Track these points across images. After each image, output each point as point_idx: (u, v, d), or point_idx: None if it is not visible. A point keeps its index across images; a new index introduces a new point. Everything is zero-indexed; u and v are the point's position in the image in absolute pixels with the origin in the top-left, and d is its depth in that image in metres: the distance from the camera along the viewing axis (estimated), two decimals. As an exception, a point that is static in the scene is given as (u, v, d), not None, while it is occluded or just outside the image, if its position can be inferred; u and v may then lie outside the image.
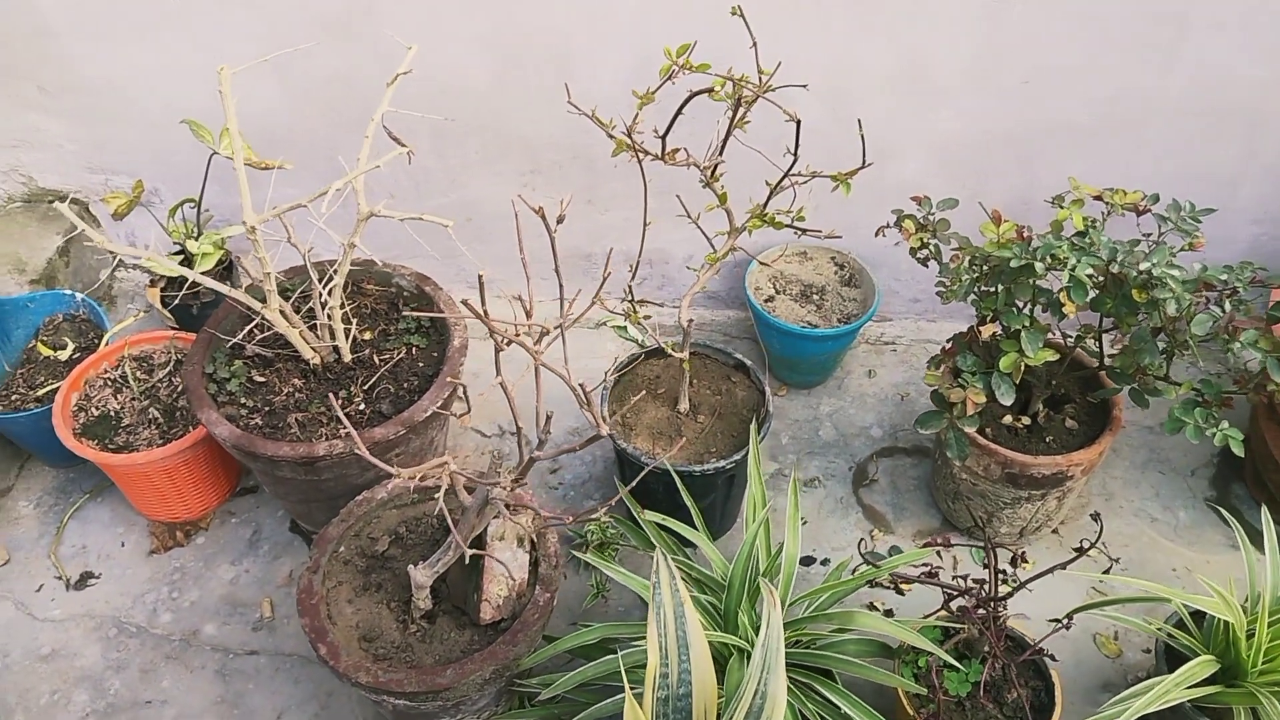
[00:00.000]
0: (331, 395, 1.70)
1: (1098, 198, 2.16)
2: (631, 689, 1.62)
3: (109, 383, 2.45)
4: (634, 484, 1.80)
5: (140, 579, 2.43)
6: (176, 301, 2.66)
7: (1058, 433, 2.25)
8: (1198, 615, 1.99)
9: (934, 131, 2.52)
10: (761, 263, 2.68)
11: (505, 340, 1.56)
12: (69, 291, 2.64)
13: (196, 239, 2.64)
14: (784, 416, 2.73)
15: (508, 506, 1.77)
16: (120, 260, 3.00)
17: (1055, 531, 2.46)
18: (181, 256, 2.65)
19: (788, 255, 2.76)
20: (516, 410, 1.67)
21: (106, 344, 2.51)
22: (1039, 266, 1.88)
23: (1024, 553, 1.91)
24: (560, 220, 1.58)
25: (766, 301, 2.67)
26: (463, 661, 1.81)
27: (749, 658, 1.85)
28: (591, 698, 1.93)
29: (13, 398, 2.47)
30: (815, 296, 2.69)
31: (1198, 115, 2.46)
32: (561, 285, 1.64)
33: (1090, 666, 2.24)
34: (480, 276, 1.46)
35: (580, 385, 1.56)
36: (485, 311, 1.46)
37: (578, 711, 1.91)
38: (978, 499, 2.32)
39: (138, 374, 2.47)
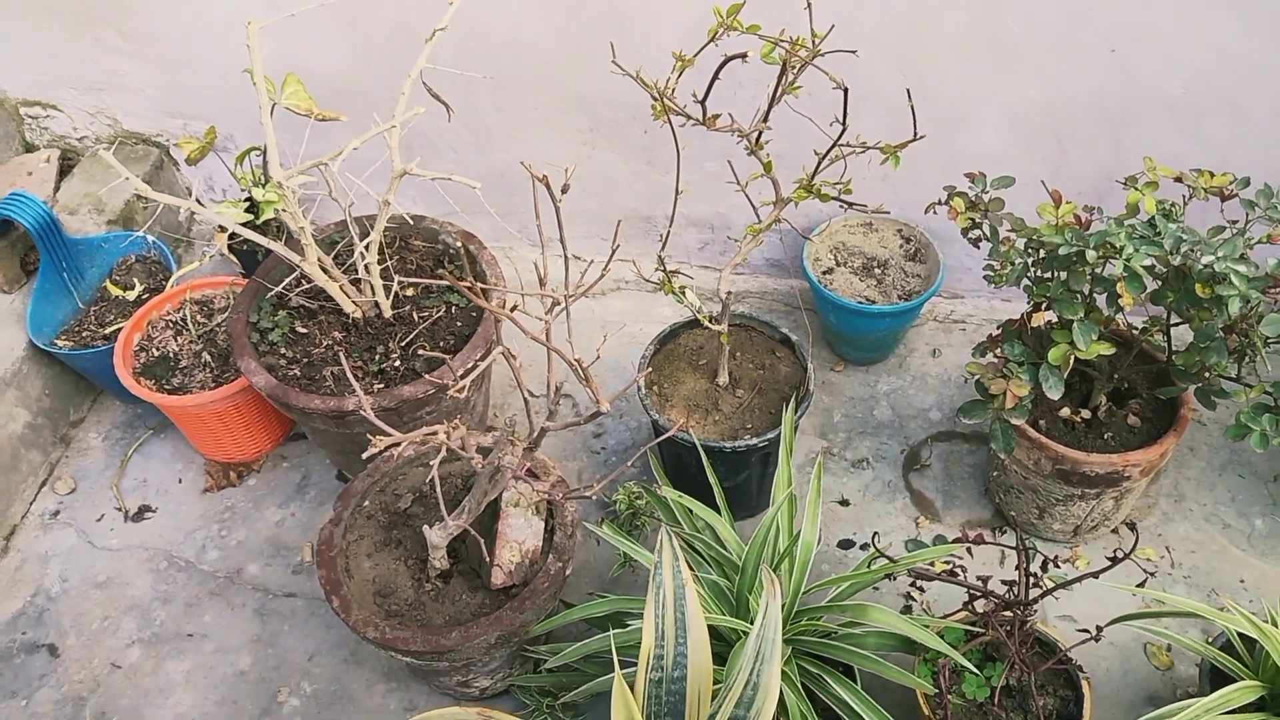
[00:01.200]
0: (345, 356, 1.70)
1: (1178, 179, 2.00)
2: (629, 665, 1.60)
3: (170, 325, 2.52)
4: (646, 448, 1.76)
5: (193, 515, 2.51)
6: (246, 248, 2.72)
7: (1118, 429, 2.11)
8: (1251, 636, 1.85)
9: (1011, 98, 2.37)
10: (806, 238, 2.57)
11: (507, 311, 1.53)
12: (141, 233, 2.72)
13: (263, 187, 2.68)
14: (839, 393, 2.64)
15: (517, 476, 1.76)
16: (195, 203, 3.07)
17: (1115, 532, 2.33)
18: (249, 203, 2.70)
19: (851, 227, 2.65)
20: (522, 381, 1.65)
21: (171, 286, 2.59)
22: (1091, 255, 1.75)
23: (1055, 556, 1.79)
24: (565, 189, 1.53)
25: (825, 274, 2.57)
26: (468, 625, 1.82)
27: (757, 643, 1.81)
28: (599, 669, 1.92)
29: (83, 334, 2.57)
30: (877, 271, 2.58)
31: (1309, 92, 2.25)
32: (567, 255, 1.59)
33: (1138, 677, 2.12)
34: (485, 249, 1.42)
35: (578, 360, 1.52)
36: (472, 284, 1.42)
37: (587, 681, 1.90)
38: (1028, 494, 2.21)
39: (197, 317, 2.54)
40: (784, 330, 2.31)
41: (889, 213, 2.43)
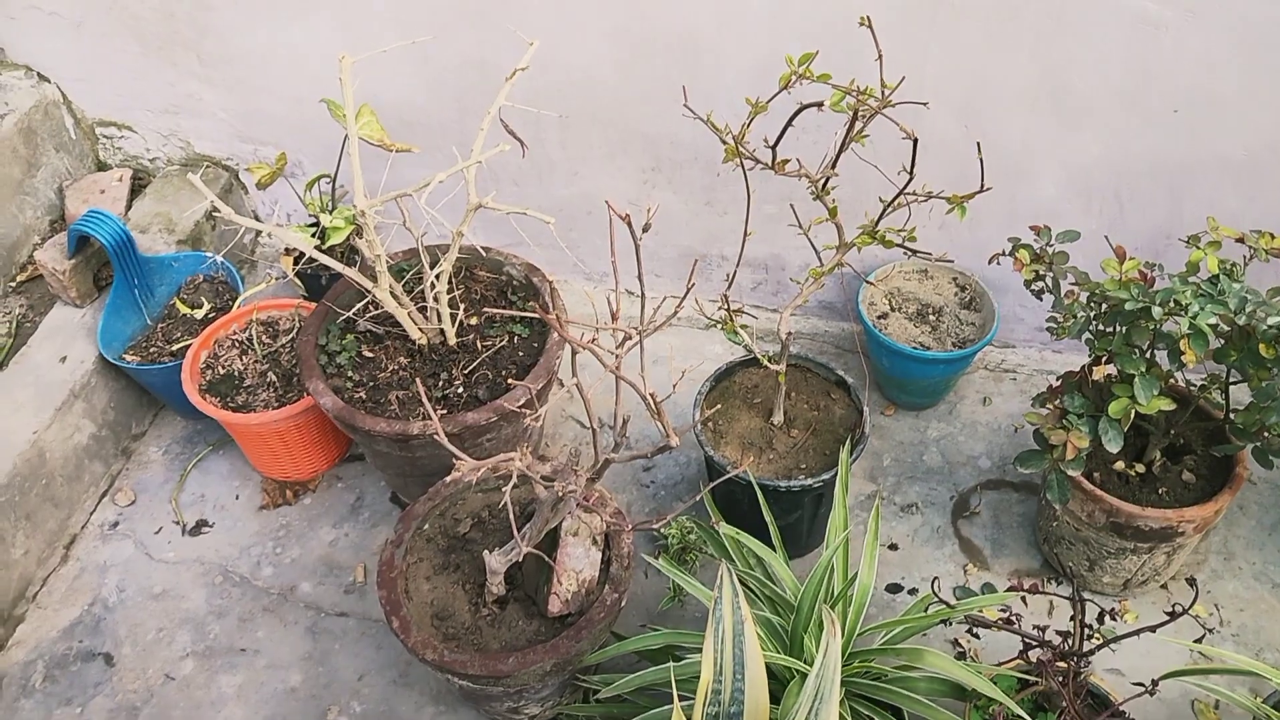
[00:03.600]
0: (419, 380, 1.75)
1: (1240, 240, 2.02)
2: (684, 700, 1.62)
3: (236, 344, 2.58)
4: (710, 488, 1.79)
5: (249, 532, 2.56)
6: (310, 271, 2.79)
7: (1172, 485, 2.12)
8: (1305, 697, 1.85)
9: (1072, 154, 2.40)
10: (868, 282, 2.61)
11: (580, 346, 1.57)
12: (212, 254, 2.79)
13: (330, 213, 2.74)
14: (889, 437, 2.66)
15: (580, 506, 1.79)
16: (258, 235, 3.15)
17: (1164, 587, 2.33)
18: (316, 229, 2.77)
19: (907, 273, 2.68)
20: (592, 413, 1.68)
21: (238, 307, 2.65)
22: (1157, 311, 1.77)
23: (1113, 609, 1.80)
24: (646, 228, 1.58)
25: (880, 318, 2.60)
26: (525, 651, 1.84)
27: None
28: (651, 702, 1.94)
29: (151, 350, 2.63)
30: (931, 317, 2.61)
31: (1370, 157, 2.27)
32: (644, 292, 1.63)
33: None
34: (550, 282, 1.46)
35: (651, 395, 1.55)
36: (558, 316, 1.47)
37: (637, 713, 1.92)
38: (1080, 545, 2.22)
39: (263, 338, 2.60)
40: (839, 372, 2.34)
41: (952, 261, 2.46)
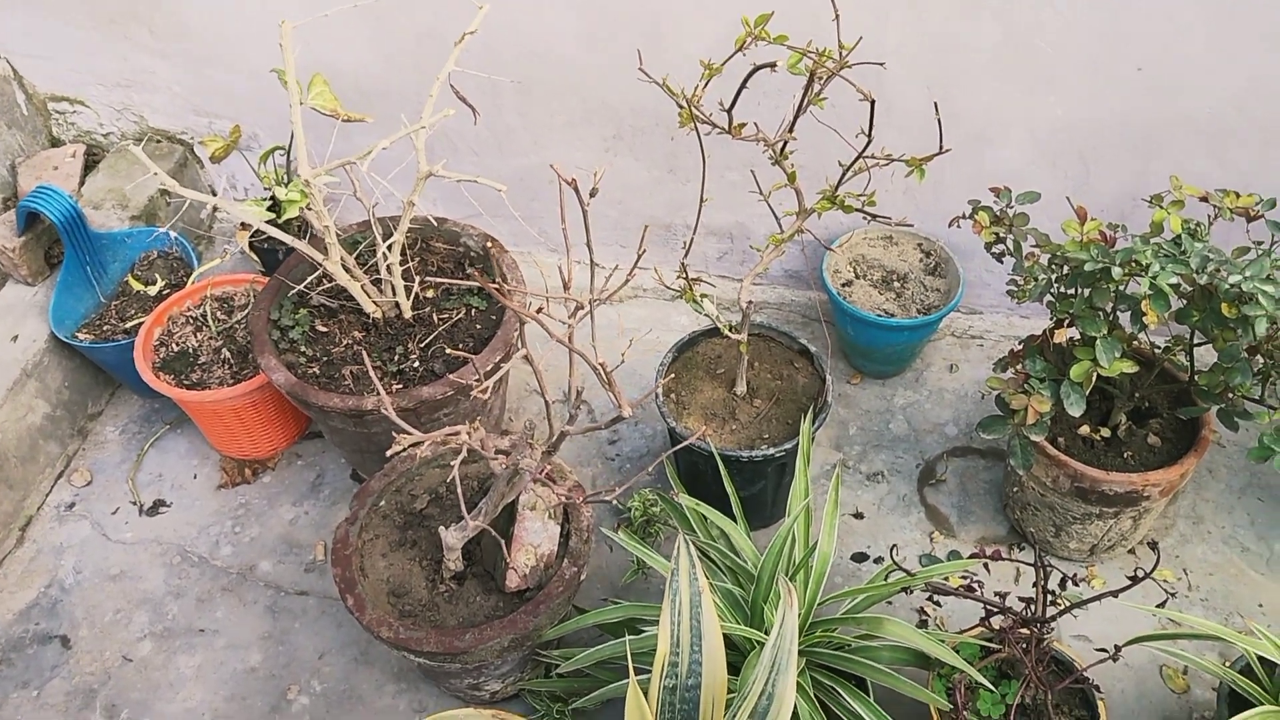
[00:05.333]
0: (369, 355, 1.70)
1: (1204, 199, 2.00)
2: (642, 673, 1.59)
3: (190, 320, 2.53)
4: (666, 455, 1.76)
5: (207, 511, 2.52)
6: (266, 246, 2.74)
7: (1138, 448, 2.10)
8: (1269, 660, 1.84)
9: (1038, 117, 2.37)
10: (829, 248, 2.57)
11: (532, 313, 1.53)
12: (164, 230, 2.74)
13: (285, 186, 2.69)
14: (855, 406, 2.64)
15: (535, 480, 1.75)
16: (215, 209, 3.09)
17: (1132, 552, 2.31)
18: (271, 202, 2.71)
19: (871, 239, 2.65)
20: (545, 384, 1.65)
21: (192, 283, 2.60)
22: (1117, 271, 1.75)
23: (1075, 574, 1.78)
24: (593, 193, 1.54)
25: (844, 286, 2.57)
26: (482, 627, 1.81)
27: (771, 653, 1.81)
28: (611, 675, 1.92)
29: (104, 328, 2.58)
30: (896, 284, 2.57)
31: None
32: (593, 260, 1.59)
33: (1154, 700, 2.11)
34: (505, 253, 1.42)
35: (601, 365, 1.52)
36: (501, 286, 1.43)
37: (598, 687, 1.90)
38: (1045, 511, 2.20)
39: (218, 314, 2.55)
40: (803, 341, 2.31)
41: (912, 225, 2.43)
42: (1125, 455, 2.09)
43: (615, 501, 2.37)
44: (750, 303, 2.12)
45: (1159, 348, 2.08)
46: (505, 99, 2.61)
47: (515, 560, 1.89)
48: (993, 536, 2.37)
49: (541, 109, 2.64)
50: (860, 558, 2.34)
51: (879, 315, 2.47)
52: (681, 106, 1.94)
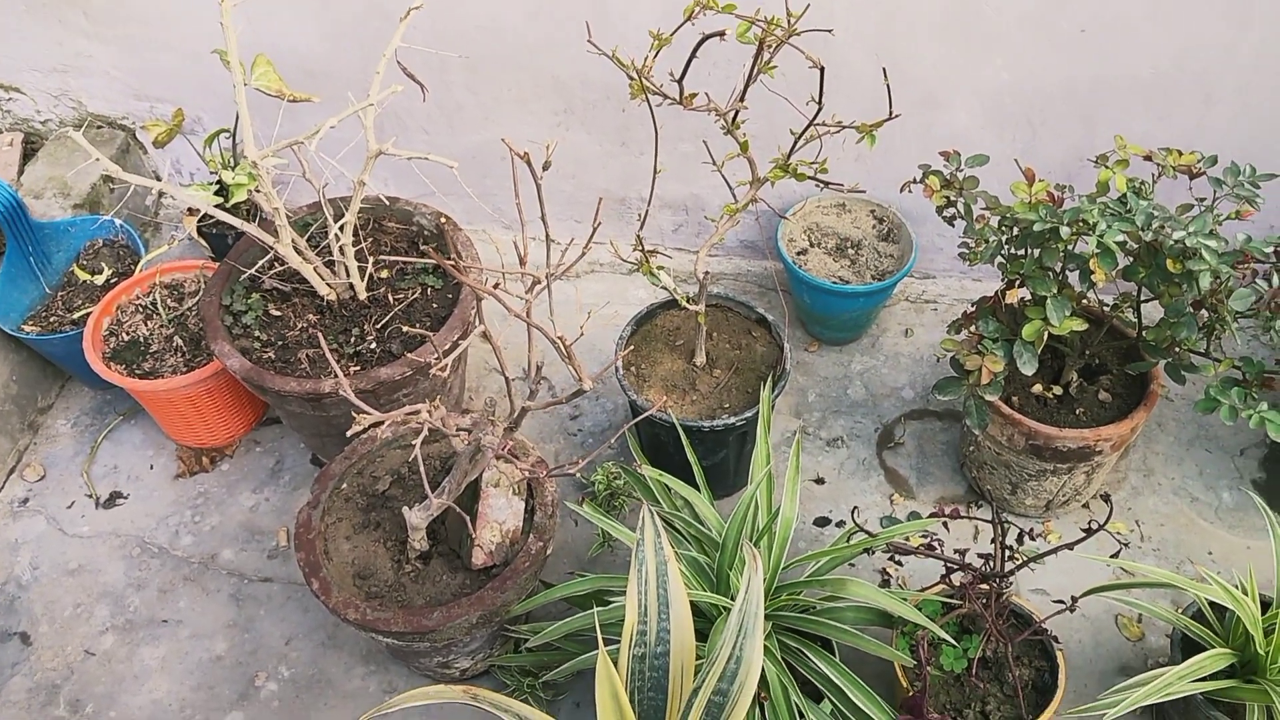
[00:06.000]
0: (324, 337, 1.69)
1: (1148, 158, 2.03)
2: (611, 643, 1.60)
3: (140, 309, 2.49)
4: (629, 426, 1.77)
5: (165, 501, 2.49)
6: (215, 231, 2.70)
7: (1090, 405, 2.14)
8: (1220, 605, 1.89)
9: (985, 81, 2.39)
10: (783, 217, 2.59)
11: (489, 288, 1.53)
12: (108, 217, 2.68)
13: (232, 169, 2.65)
14: (813, 373, 2.66)
15: (497, 456, 1.75)
16: (161, 195, 3.04)
17: (1086, 506, 2.36)
18: (218, 187, 2.67)
19: (825, 207, 2.66)
20: (504, 361, 1.64)
21: (140, 270, 2.55)
22: (1065, 231, 1.77)
23: (1032, 529, 1.82)
24: (546, 167, 1.53)
25: (799, 254, 2.59)
26: (450, 605, 1.81)
27: (737, 618, 1.83)
28: (580, 648, 1.93)
29: (51, 319, 2.53)
30: (851, 251, 2.59)
31: (1277, 74, 2.28)
32: (549, 235, 1.59)
33: (1110, 648, 2.16)
34: (459, 230, 1.42)
35: (560, 339, 1.52)
36: (457, 263, 1.42)
37: (568, 660, 1.91)
38: (1001, 469, 2.24)
39: (168, 302, 2.51)
40: (760, 310, 2.32)
41: (864, 192, 2.45)
42: (1078, 412, 2.13)
43: (579, 475, 2.37)
44: (707, 273, 2.12)
45: (1108, 305, 2.11)
46: (454, 75, 2.59)
47: (481, 537, 1.89)
48: (951, 496, 2.41)
49: (491, 85, 2.62)
50: (823, 522, 2.36)
51: (835, 283, 2.49)
52: (632, 78, 1.93)
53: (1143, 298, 2.02)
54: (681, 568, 1.77)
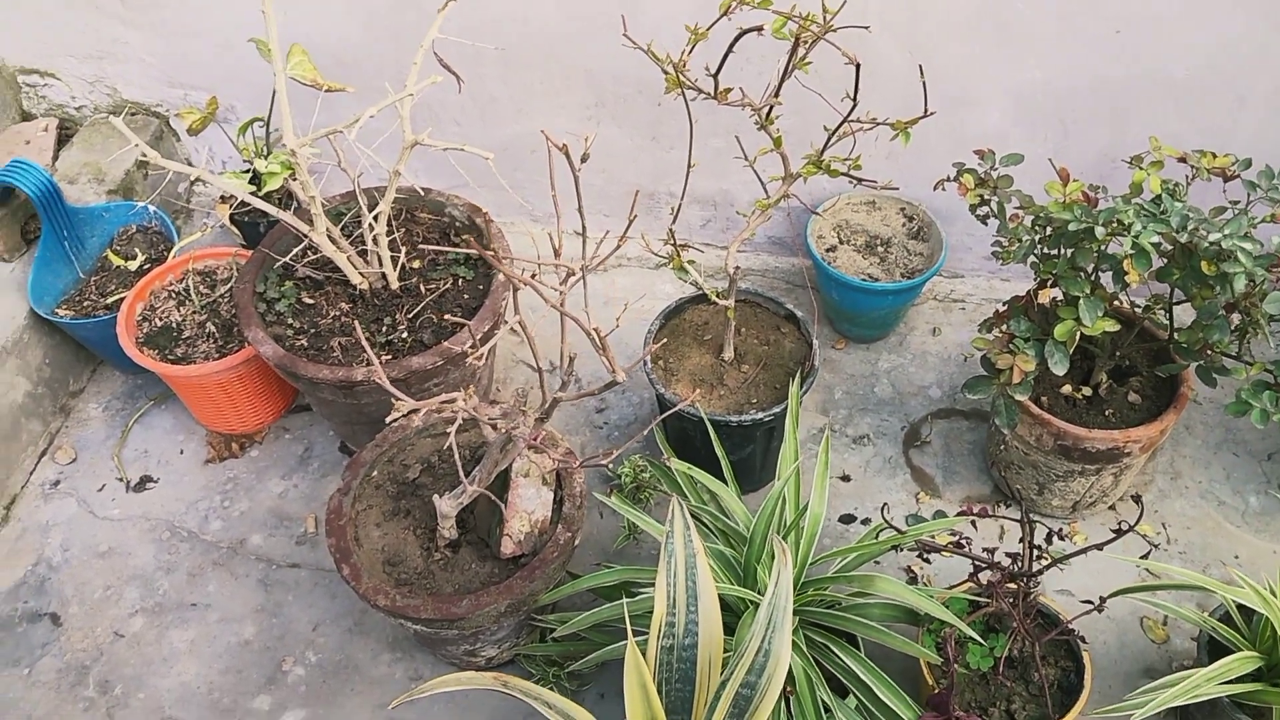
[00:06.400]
0: (358, 325, 1.71)
1: (1182, 159, 2.02)
2: (639, 634, 1.61)
3: (173, 295, 2.52)
4: (659, 420, 1.78)
5: (195, 486, 2.51)
6: (247, 219, 2.72)
7: (1119, 406, 2.14)
8: (1248, 608, 1.88)
9: (1017, 80, 2.39)
10: (815, 213, 2.59)
11: (521, 282, 1.54)
12: (143, 204, 2.71)
13: (265, 158, 2.67)
14: (840, 371, 2.66)
15: (529, 446, 1.77)
16: (194, 182, 3.06)
17: (1112, 508, 2.36)
18: (251, 175, 2.68)
19: (855, 205, 2.67)
20: (538, 351, 1.65)
21: (173, 257, 2.58)
22: (1099, 231, 1.77)
23: (1060, 529, 1.82)
24: (584, 159, 1.54)
25: (828, 251, 2.59)
26: (479, 593, 1.83)
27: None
28: (606, 638, 1.94)
29: (84, 304, 2.56)
30: (880, 249, 2.59)
31: (1311, 74, 2.27)
32: (585, 226, 1.60)
33: (1135, 650, 2.16)
34: (491, 221, 1.43)
35: (595, 330, 1.53)
36: (496, 252, 1.43)
37: (594, 650, 1.92)
38: (1029, 469, 2.24)
39: (200, 288, 2.53)
40: (789, 306, 2.32)
41: (898, 190, 2.44)
42: (1107, 413, 2.13)
43: (608, 467, 2.38)
44: (737, 268, 2.13)
45: (1139, 307, 2.11)
46: (487, 68, 2.60)
47: (510, 526, 1.90)
48: (977, 496, 2.41)
49: (522, 77, 2.63)
50: (848, 519, 2.37)
51: (864, 280, 2.49)
52: (667, 72, 1.94)
53: (1175, 300, 2.01)
54: (709, 561, 1.78)
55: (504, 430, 1.75)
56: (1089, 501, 2.28)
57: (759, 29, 1.76)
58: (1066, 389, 2.15)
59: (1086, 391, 2.15)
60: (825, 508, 1.96)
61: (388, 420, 1.44)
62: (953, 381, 2.64)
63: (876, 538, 1.90)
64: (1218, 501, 2.37)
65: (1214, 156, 2.04)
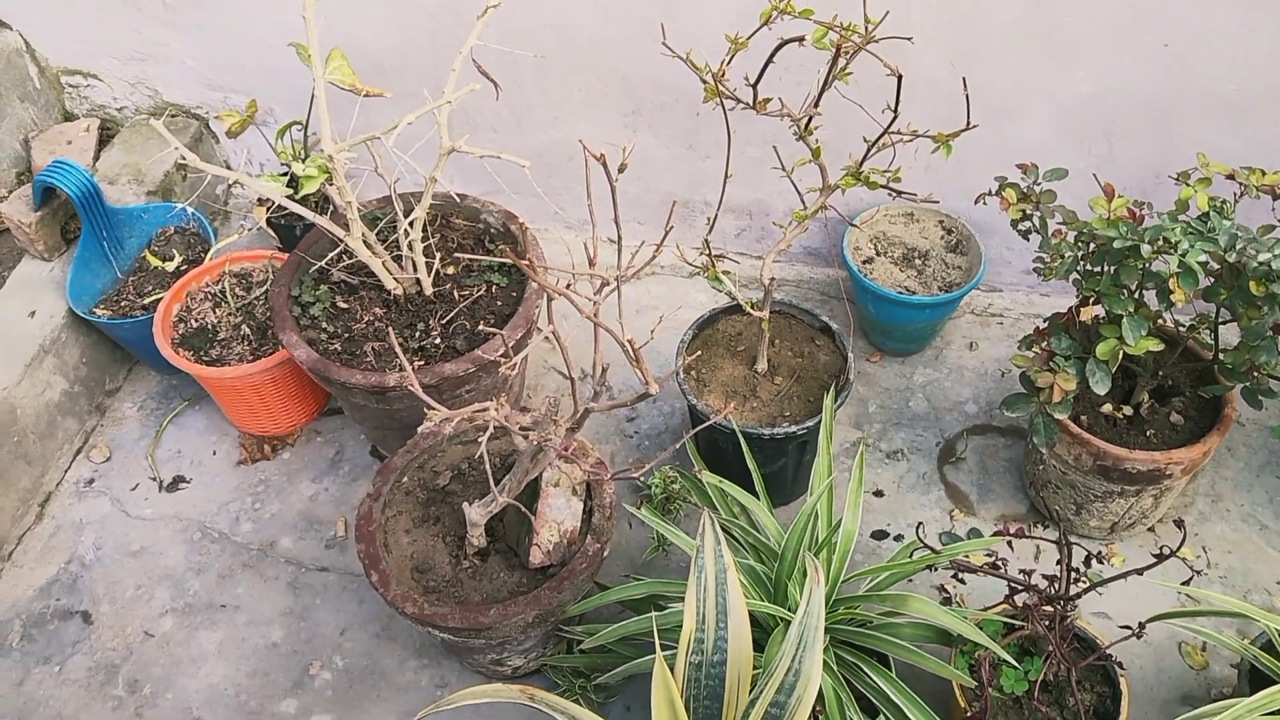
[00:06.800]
0: (392, 331, 1.70)
1: (1230, 177, 1.98)
2: (667, 649, 1.60)
3: (209, 296, 2.53)
4: (692, 435, 1.76)
5: (227, 487, 2.52)
6: (283, 222, 2.73)
7: (1160, 426, 2.10)
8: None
9: (1062, 92, 2.35)
10: (852, 224, 2.56)
11: (561, 289, 1.53)
12: (183, 205, 2.73)
13: (303, 161, 2.68)
14: (874, 384, 2.63)
15: (560, 456, 1.76)
16: (231, 184, 3.08)
17: (1151, 529, 2.31)
18: (288, 178, 2.69)
19: (892, 216, 2.64)
20: (570, 361, 1.64)
21: (210, 259, 2.59)
22: (1145, 249, 1.73)
23: (1099, 551, 1.78)
24: (622, 169, 1.53)
25: (865, 263, 2.56)
26: (507, 603, 1.82)
27: (795, 629, 1.81)
28: (633, 651, 1.92)
29: (122, 304, 2.57)
30: (917, 261, 2.56)
31: (1365, 91, 2.22)
32: (620, 235, 1.59)
33: (1172, 675, 2.11)
34: (526, 229, 1.42)
35: (629, 341, 1.51)
36: (532, 262, 1.42)
37: (621, 663, 1.91)
38: (1066, 489, 2.20)
39: (236, 290, 2.54)
40: (824, 319, 2.30)
41: (938, 203, 2.41)
42: (1148, 434, 2.09)
43: (639, 479, 2.37)
44: (773, 279, 2.11)
45: (1183, 326, 2.07)
46: (524, 75, 2.59)
47: (539, 536, 1.89)
48: (1013, 514, 2.37)
49: (559, 84, 2.62)
50: (880, 535, 2.34)
51: (901, 293, 2.46)
52: (706, 81, 1.93)
53: (1220, 319, 1.97)
54: (740, 577, 1.76)
55: (535, 440, 1.74)
56: (1128, 523, 2.23)
57: (800, 39, 1.75)
58: (1107, 408, 2.11)
59: (1127, 411, 2.11)
60: (859, 524, 1.93)
61: (420, 430, 1.43)
62: (989, 397, 2.60)
63: (910, 556, 1.87)
64: (1260, 525, 2.31)
65: (1263, 174, 1.99)
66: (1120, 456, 2.02)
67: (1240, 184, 1.98)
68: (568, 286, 1.53)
